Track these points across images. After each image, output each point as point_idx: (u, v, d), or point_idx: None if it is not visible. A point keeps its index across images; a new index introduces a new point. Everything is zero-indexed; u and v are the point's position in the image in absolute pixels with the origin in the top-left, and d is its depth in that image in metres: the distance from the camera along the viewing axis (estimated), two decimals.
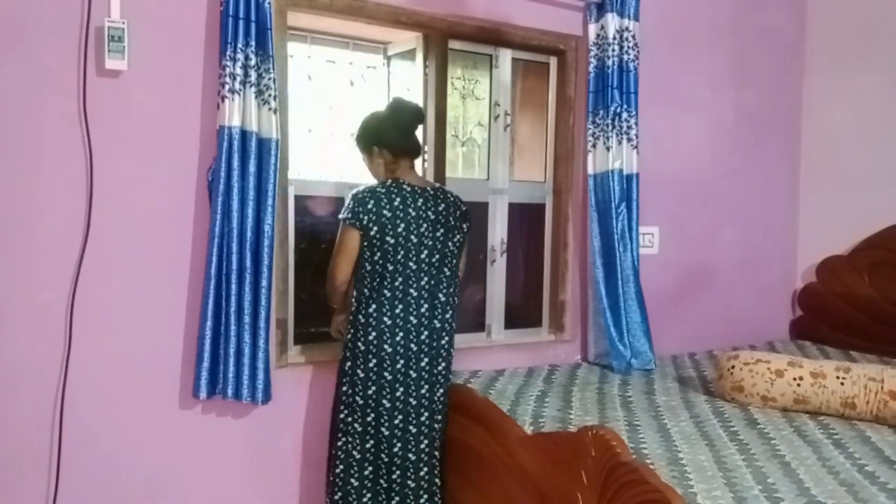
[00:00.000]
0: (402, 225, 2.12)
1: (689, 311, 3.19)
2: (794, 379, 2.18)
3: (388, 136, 2.20)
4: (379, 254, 2.12)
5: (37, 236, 2.00)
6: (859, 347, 2.97)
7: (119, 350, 2.11)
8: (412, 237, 2.14)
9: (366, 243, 2.12)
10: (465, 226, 2.27)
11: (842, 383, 2.13)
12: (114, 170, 2.07)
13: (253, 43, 2.13)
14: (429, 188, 2.23)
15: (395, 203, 2.13)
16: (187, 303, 2.20)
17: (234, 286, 2.14)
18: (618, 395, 2.36)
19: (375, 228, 2.10)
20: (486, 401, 2.16)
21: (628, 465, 1.50)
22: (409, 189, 2.17)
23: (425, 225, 2.16)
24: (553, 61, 2.96)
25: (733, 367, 2.29)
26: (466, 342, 2.78)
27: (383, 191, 2.14)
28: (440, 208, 2.20)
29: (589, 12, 2.79)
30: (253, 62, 2.13)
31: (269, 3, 2.14)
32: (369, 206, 2.10)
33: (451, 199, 2.26)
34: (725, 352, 2.55)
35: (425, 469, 2.17)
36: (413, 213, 2.15)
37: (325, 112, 2.74)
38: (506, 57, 2.89)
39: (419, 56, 2.68)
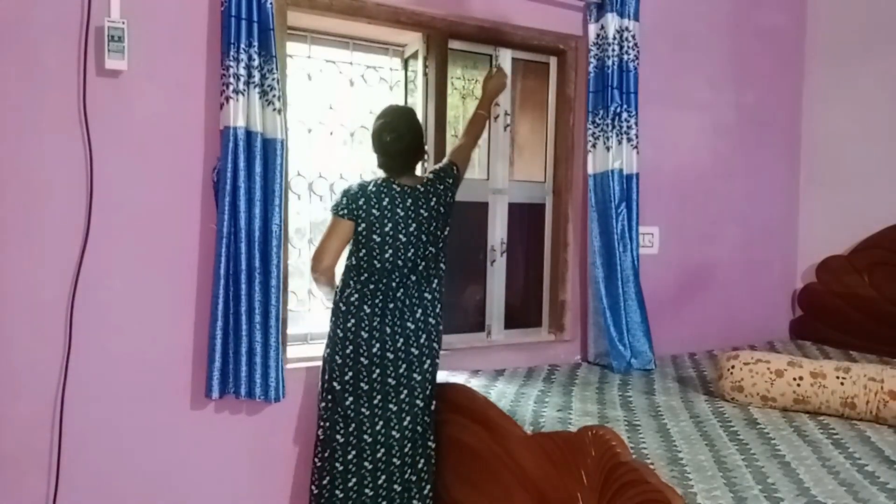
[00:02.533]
0: (390, 224, 2.16)
1: (689, 311, 3.19)
2: (794, 379, 2.18)
3: (376, 140, 2.25)
4: (364, 251, 2.16)
5: (37, 236, 2.00)
6: (859, 347, 2.97)
7: (120, 350, 2.11)
8: (400, 236, 2.17)
9: (353, 237, 2.17)
10: (452, 182, 2.28)
11: (842, 383, 2.13)
12: (114, 170, 2.07)
13: (256, 43, 2.13)
14: (419, 186, 2.23)
15: (384, 203, 2.17)
16: (196, 303, 2.20)
17: (244, 286, 2.14)
18: (618, 395, 2.36)
19: (364, 225, 2.15)
20: (486, 401, 2.15)
21: (628, 465, 1.49)
22: (398, 189, 2.20)
23: (414, 225, 2.18)
24: (553, 61, 2.96)
25: (733, 367, 2.29)
26: (466, 342, 2.79)
27: (373, 189, 2.18)
28: (431, 203, 2.22)
29: (589, 12, 2.79)
30: (256, 62, 2.13)
31: (270, 3, 2.14)
32: (360, 203, 2.16)
33: (441, 188, 2.25)
34: (725, 352, 2.55)
35: (411, 475, 2.17)
36: (401, 213, 2.18)
37: (326, 112, 2.73)
38: (506, 56, 2.89)
39: (419, 56, 2.68)
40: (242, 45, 2.11)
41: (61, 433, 2.03)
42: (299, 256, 2.71)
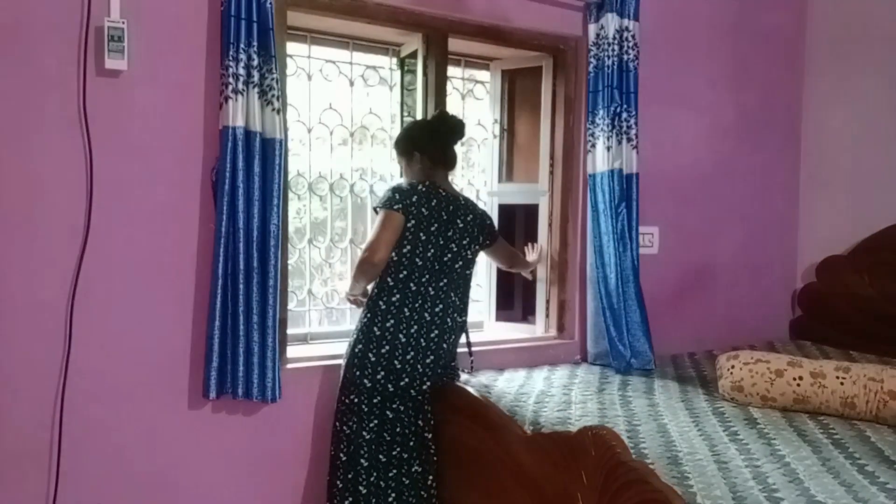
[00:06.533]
0: (436, 225, 2.24)
1: (689, 311, 3.19)
2: (794, 379, 2.18)
3: (429, 145, 2.32)
4: (409, 247, 2.22)
5: (37, 236, 2.00)
6: (859, 347, 2.96)
7: (120, 350, 2.12)
8: (440, 239, 2.25)
9: (401, 232, 2.21)
10: (493, 237, 2.45)
11: (841, 383, 2.13)
12: (114, 170, 2.07)
13: (255, 43, 2.13)
14: (460, 198, 2.35)
15: (433, 203, 2.25)
16: (194, 303, 2.20)
17: (241, 286, 2.14)
18: (618, 395, 2.36)
19: (414, 221, 2.21)
20: (486, 401, 2.15)
21: (628, 465, 1.49)
22: (443, 194, 2.29)
23: (453, 230, 2.28)
24: (548, 63, 2.95)
25: (733, 367, 2.29)
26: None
27: (423, 190, 2.25)
28: (468, 218, 2.33)
29: (589, 12, 2.79)
30: (255, 62, 2.13)
31: (270, 2, 2.14)
32: (413, 199, 2.22)
33: (479, 211, 2.40)
34: (725, 352, 2.55)
35: (416, 467, 2.25)
36: (445, 217, 2.27)
37: (326, 112, 2.74)
38: (496, 73, 2.95)
39: (419, 56, 2.68)
40: (242, 45, 2.11)
41: (61, 433, 2.03)
42: (299, 257, 2.72)
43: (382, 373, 2.19)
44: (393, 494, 2.22)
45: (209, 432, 2.26)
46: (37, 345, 2.02)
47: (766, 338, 3.28)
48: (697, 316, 3.21)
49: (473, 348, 2.50)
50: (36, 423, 2.03)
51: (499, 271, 2.97)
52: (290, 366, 2.39)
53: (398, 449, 2.23)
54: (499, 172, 3.05)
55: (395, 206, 2.20)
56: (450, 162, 2.38)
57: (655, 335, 2.81)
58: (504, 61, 3.02)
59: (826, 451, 1.83)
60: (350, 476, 2.20)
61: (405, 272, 2.22)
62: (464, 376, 2.47)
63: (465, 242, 2.31)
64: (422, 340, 2.22)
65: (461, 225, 2.30)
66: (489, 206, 2.93)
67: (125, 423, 2.14)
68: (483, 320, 3.04)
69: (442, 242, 2.25)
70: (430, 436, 2.26)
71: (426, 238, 2.22)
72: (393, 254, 2.23)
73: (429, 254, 2.23)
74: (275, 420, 2.35)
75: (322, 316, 2.80)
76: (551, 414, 2.11)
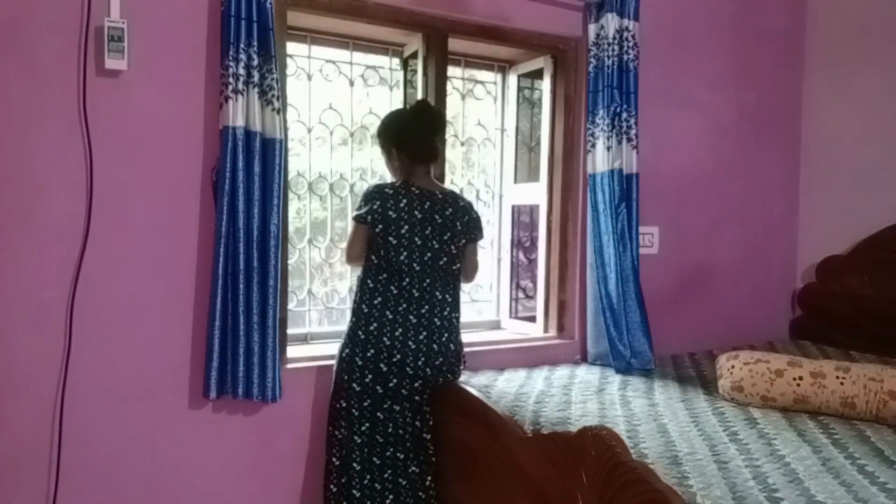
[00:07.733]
0: (406, 227, 2.17)
1: (689, 311, 3.19)
2: (794, 379, 2.18)
3: (406, 139, 2.24)
4: (382, 251, 2.18)
5: (37, 236, 2.00)
6: (859, 347, 2.96)
7: (120, 350, 2.12)
8: (416, 239, 2.19)
9: (371, 238, 2.19)
10: (476, 233, 2.32)
11: (841, 383, 2.13)
12: (114, 170, 2.07)
13: (255, 43, 2.13)
14: (437, 192, 2.26)
15: (401, 205, 2.18)
16: (194, 303, 2.20)
17: (241, 286, 2.14)
18: (618, 394, 2.36)
19: (381, 227, 2.16)
20: (485, 401, 2.15)
21: (628, 465, 1.49)
22: (416, 192, 2.21)
23: (430, 228, 2.21)
24: (548, 63, 2.95)
25: (733, 367, 2.29)
26: (466, 340, 2.78)
27: (391, 192, 2.19)
28: (447, 213, 2.24)
29: (589, 12, 2.79)
30: (255, 62, 2.13)
31: (270, 2, 2.14)
32: (375, 207, 2.16)
33: (461, 204, 2.29)
34: (725, 352, 2.55)
35: (413, 468, 2.24)
36: (419, 216, 2.19)
37: (326, 112, 2.74)
38: (513, 77, 2.97)
39: (419, 56, 2.68)
40: (242, 45, 2.11)
41: (61, 433, 2.03)
42: (299, 257, 2.72)
43: (370, 376, 2.17)
44: (391, 496, 2.21)
45: (209, 432, 2.26)
46: (37, 345, 2.02)
47: (766, 338, 3.28)
48: (697, 316, 3.21)
49: (476, 348, 2.48)
50: (36, 423, 2.03)
51: (511, 268, 2.97)
52: (290, 366, 2.40)
53: (392, 450, 2.22)
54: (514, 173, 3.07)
55: (359, 218, 2.18)
56: (429, 157, 2.27)
57: (655, 335, 2.81)
58: (520, 66, 3.02)
59: (826, 451, 1.83)
60: (343, 480, 2.19)
61: (385, 275, 2.19)
62: (464, 376, 2.47)
63: (446, 238, 2.23)
64: (409, 343, 2.18)
65: (440, 221, 2.22)
66: (494, 204, 2.92)
67: (125, 423, 2.14)
68: (500, 319, 3.07)
69: (419, 243, 2.19)
70: (428, 436, 2.25)
71: (397, 242, 2.16)
72: (372, 256, 2.21)
73: (402, 256, 2.17)
74: (275, 420, 2.35)
75: (322, 316, 2.80)
76: (551, 414, 2.11)
